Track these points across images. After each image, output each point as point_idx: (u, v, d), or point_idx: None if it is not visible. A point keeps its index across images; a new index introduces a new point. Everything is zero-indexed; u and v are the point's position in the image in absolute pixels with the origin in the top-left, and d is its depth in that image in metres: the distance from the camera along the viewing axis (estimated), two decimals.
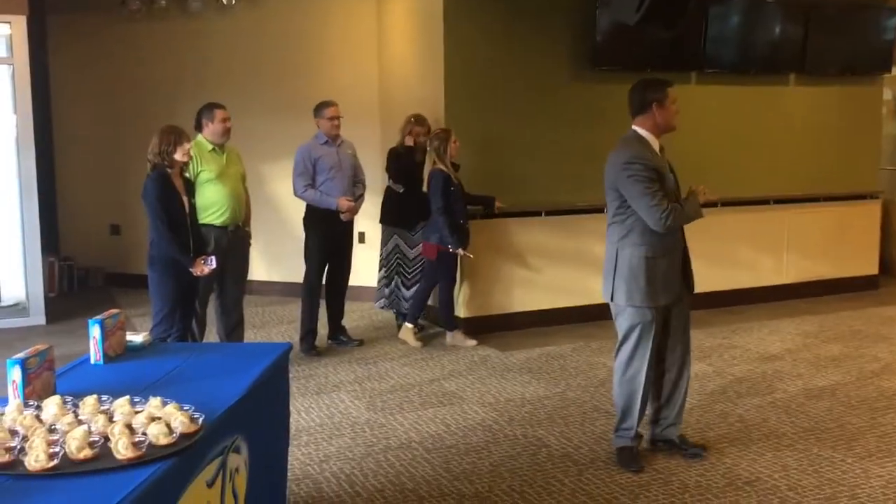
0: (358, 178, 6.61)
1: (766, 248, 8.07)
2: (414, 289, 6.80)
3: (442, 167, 6.37)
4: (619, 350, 4.29)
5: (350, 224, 6.58)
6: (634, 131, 4.16)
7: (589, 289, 7.27)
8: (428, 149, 6.53)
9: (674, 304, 4.22)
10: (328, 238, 6.44)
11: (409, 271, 6.87)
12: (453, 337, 6.66)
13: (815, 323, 7.33)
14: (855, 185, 8.57)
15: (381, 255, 7.00)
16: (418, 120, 6.79)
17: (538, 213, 7.15)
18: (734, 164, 8.00)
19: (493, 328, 6.95)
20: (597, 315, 7.17)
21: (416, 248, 6.81)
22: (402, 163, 6.72)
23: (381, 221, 6.98)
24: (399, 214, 6.85)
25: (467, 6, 6.97)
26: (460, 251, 6.43)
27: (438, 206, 6.34)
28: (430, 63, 7.16)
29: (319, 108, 6.46)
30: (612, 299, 4.24)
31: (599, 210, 7.20)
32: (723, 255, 7.77)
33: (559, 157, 7.36)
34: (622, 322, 4.23)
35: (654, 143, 4.13)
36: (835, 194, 8.39)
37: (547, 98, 7.31)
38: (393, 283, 6.93)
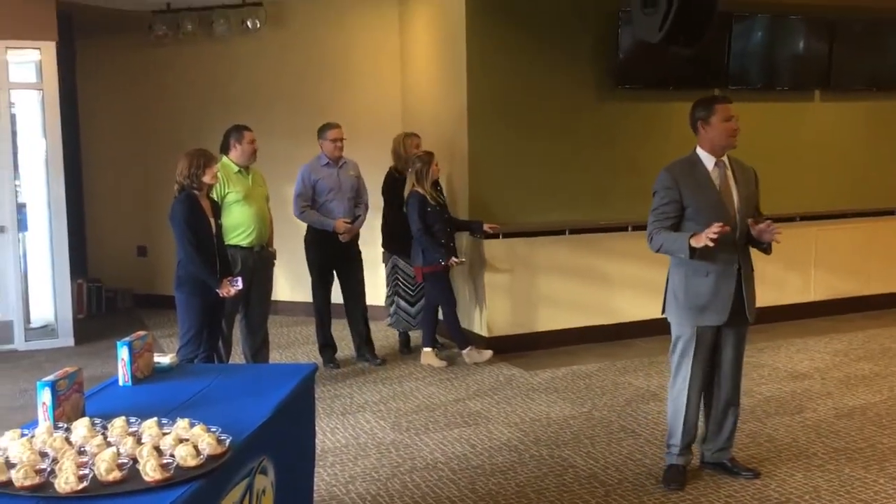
0: (361, 199, 6.67)
1: (793, 265, 7.99)
2: (417, 305, 6.84)
3: (419, 189, 6.42)
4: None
5: (353, 242, 6.64)
6: (694, 152, 4.17)
7: (614, 307, 7.25)
8: (409, 170, 6.58)
9: (725, 327, 4.14)
10: (327, 255, 6.55)
11: (411, 288, 6.88)
12: (469, 355, 6.65)
13: (844, 341, 7.24)
14: (882, 201, 8.47)
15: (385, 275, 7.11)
16: (409, 135, 6.91)
17: (562, 232, 7.13)
18: (760, 180, 7.93)
19: (517, 347, 6.92)
20: (622, 334, 7.18)
21: None
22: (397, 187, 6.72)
23: (382, 245, 7.05)
24: (391, 236, 6.90)
25: (490, 25, 7.01)
26: (454, 261, 6.49)
27: (417, 228, 6.42)
28: (453, 82, 7.20)
29: (322, 130, 6.57)
30: (662, 311, 4.29)
31: (623, 228, 7.25)
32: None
33: (582, 175, 7.36)
34: (672, 334, 4.27)
35: (709, 162, 4.09)
36: (862, 210, 8.30)
37: (570, 116, 7.32)
38: (394, 302, 6.95)
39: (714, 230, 3.78)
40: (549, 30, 7.18)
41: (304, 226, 6.62)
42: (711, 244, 3.81)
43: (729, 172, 4.13)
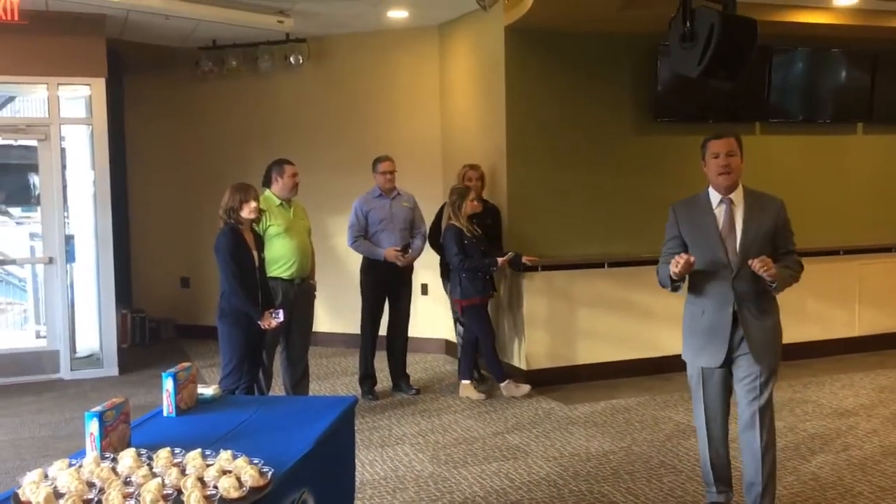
0: (417, 229, 6.75)
1: (837, 300, 7.87)
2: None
3: (455, 222, 6.47)
4: None
5: (407, 272, 6.70)
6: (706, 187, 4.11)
7: (653, 341, 7.20)
8: (446, 202, 6.66)
9: (735, 370, 3.96)
10: (382, 284, 6.65)
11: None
12: (506, 388, 6.64)
13: (891, 377, 7.10)
14: None
15: None
16: (470, 167, 6.99)
17: (601, 264, 7.12)
18: (801, 214, 7.76)
19: (556, 380, 6.90)
20: (662, 368, 7.11)
21: None
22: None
23: (442, 275, 7.12)
24: (444, 265, 6.98)
25: (528, 59, 7.08)
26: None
27: (457, 261, 6.47)
28: (493, 115, 7.26)
29: (374, 163, 6.74)
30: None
31: None
32: (791, 308, 7.47)
33: (621, 208, 7.35)
34: None
35: (715, 199, 4.00)
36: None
37: (608, 149, 7.34)
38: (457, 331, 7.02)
39: (677, 260, 3.77)
40: (588, 63, 7.23)
41: (347, 259, 6.73)
42: (677, 270, 3.76)
43: (738, 209, 3.94)
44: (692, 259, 3.79)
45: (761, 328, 3.92)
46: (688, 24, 4.64)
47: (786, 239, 3.99)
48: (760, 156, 7.78)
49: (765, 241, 3.89)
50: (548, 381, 6.86)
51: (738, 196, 3.98)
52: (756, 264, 3.72)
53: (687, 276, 3.95)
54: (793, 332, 7.51)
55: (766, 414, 3.94)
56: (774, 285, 3.82)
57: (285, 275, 5.83)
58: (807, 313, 7.77)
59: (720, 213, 3.97)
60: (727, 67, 4.78)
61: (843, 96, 8.01)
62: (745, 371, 3.93)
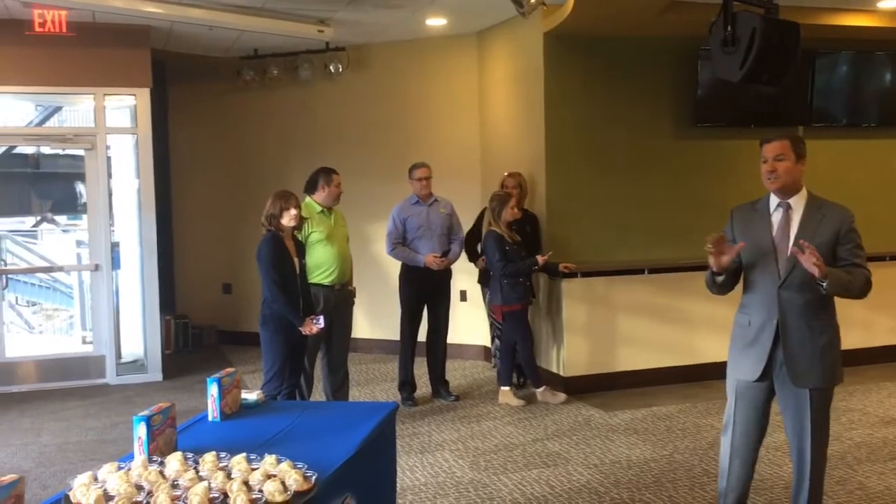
0: (455, 235, 6.77)
1: (882, 307, 7.72)
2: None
3: (496, 229, 6.47)
4: None
5: (445, 278, 6.73)
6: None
7: (694, 348, 7.14)
8: (486, 208, 6.69)
9: (779, 388, 3.75)
10: (420, 290, 6.69)
11: (500, 325, 6.95)
12: (542, 394, 6.63)
13: None
14: None
15: None
16: (510, 174, 7.01)
17: (641, 271, 7.08)
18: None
19: (595, 387, 6.87)
20: (703, 375, 7.05)
21: None
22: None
23: (479, 281, 7.13)
24: (483, 271, 7.01)
25: (567, 65, 7.07)
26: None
27: (496, 268, 6.46)
28: (531, 121, 7.26)
29: (410, 170, 6.78)
30: None
31: (703, 267, 7.11)
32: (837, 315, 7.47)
33: (661, 214, 7.30)
34: None
35: (773, 203, 3.83)
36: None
37: (647, 155, 7.29)
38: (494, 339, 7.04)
39: (709, 239, 3.64)
40: (627, 69, 7.20)
41: (386, 265, 6.77)
42: (711, 252, 3.64)
43: (794, 215, 3.73)
44: (720, 236, 3.68)
45: (807, 345, 3.66)
46: (729, 28, 4.60)
47: (849, 252, 3.67)
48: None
49: (822, 250, 3.54)
50: (586, 388, 6.83)
51: (798, 201, 3.75)
52: (805, 252, 3.44)
53: (741, 281, 3.83)
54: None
55: (818, 436, 3.76)
56: (824, 284, 3.49)
57: (326, 281, 5.88)
58: (853, 320, 7.60)
59: (776, 218, 3.78)
60: (770, 72, 4.73)
61: (889, 100, 7.87)
62: (786, 390, 3.73)
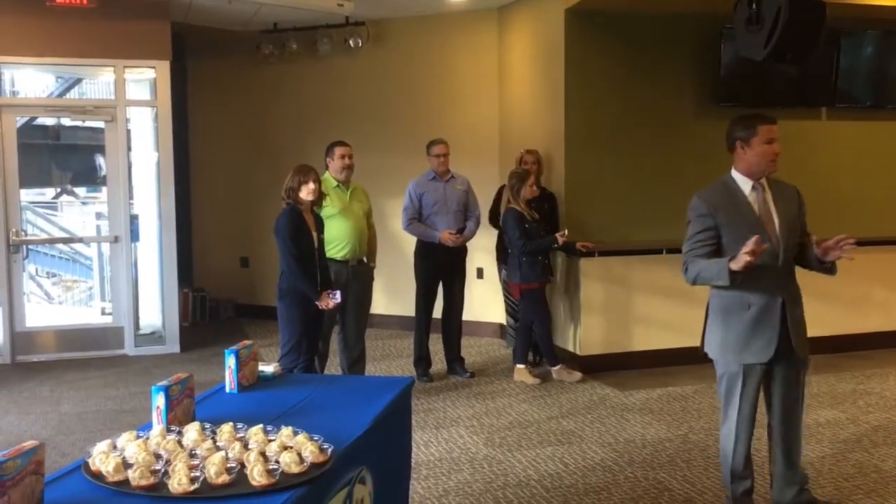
0: (471, 212, 6.75)
1: None
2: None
3: (515, 206, 6.45)
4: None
5: (460, 255, 6.72)
6: (730, 175, 3.89)
7: None
8: (505, 186, 6.66)
9: (775, 365, 3.82)
10: (436, 267, 6.70)
11: (514, 303, 6.95)
12: (558, 372, 6.64)
13: None
14: None
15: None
16: (527, 151, 6.99)
17: (659, 251, 7.04)
18: (868, 201, 7.70)
19: (611, 367, 6.86)
20: None
21: None
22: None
23: (498, 259, 7.12)
24: (501, 249, 7.01)
25: (588, 42, 7.00)
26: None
27: (515, 245, 6.45)
28: (551, 99, 7.21)
29: (428, 146, 6.75)
30: (701, 347, 3.96)
31: None
32: (854, 297, 7.43)
33: (680, 194, 7.15)
34: (717, 370, 3.93)
35: (746, 185, 3.79)
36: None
37: (668, 134, 7.24)
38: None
39: (749, 245, 3.41)
40: (649, 47, 7.13)
41: (403, 241, 6.78)
42: (751, 258, 3.42)
43: (768, 195, 3.78)
44: (765, 244, 3.53)
45: (801, 319, 3.86)
46: (754, 6, 4.55)
47: (805, 224, 3.92)
48: (827, 142, 7.62)
49: (793, 226, 3.79)
50: (602, 367, 6.83)
51: (764, 182, 3.81)
52: (834, 243, 3.59)
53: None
54: (856, 323, 7.49)
55: (802, 405, 3.94)
56: (828, 265, 3.74)
57: (339, 256, 5.89)
58: (871, 303, 7.60)
59: (754, 199, 3.77)
60: (795, 51, 4.69)
61: None
62: (790, 364, 3.81)
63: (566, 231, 6.62)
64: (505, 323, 7.73)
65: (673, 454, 5.01)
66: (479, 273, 8.04)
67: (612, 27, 7.03)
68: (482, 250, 7.51)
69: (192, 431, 2.64)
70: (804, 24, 4.59)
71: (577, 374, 6.63)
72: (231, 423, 2.72)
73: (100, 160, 8.47)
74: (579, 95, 7.01)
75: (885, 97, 7.76)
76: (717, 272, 3.63)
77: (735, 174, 3.86)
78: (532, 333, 6.68)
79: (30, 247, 8.14)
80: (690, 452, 5.04)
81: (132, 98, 7.89)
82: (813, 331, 7.53)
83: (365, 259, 6.14)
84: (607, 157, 7.10)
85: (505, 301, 7.39)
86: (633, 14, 6.99)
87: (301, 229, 5.12)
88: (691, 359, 7.00)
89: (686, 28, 7.14)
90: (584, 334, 6.91)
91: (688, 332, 7.06)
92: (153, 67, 7.69)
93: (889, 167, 7.81)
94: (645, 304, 7.02)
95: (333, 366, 6.39)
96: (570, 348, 7.03)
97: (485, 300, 8.05)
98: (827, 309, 7.11)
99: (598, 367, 6.82)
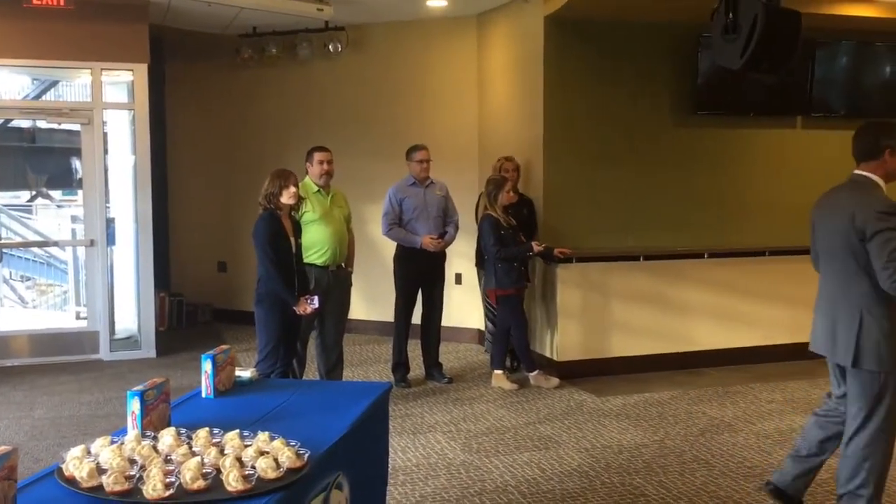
0: (450, 218, 6.77)
1: None
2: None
3: (492, 212, 6.47)
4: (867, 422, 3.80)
5: (440, 261, 6.73)
6: (868, 177, 3.87)
7: (687, 335, 7.16)
8: (482, 192, 6.69)
9: None
10: (416, 272, 6.69)
11: (493, 309, 6.97)
12: (535, 378, 6.66)
13: None
14: None
15: None
16: (506, 159, 7.00)
17: (637, 258, 7.09)
18: None
19: (588, 372, 6.88)
20: (696, 363, 7.10)
21: None
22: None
23: (477, 265, 7.14)
24: (480, 255, 7.02)
25: (567, 49, 7.04)
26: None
27: (491, 251, 6.47)
28: (530, 106, 7.24)
29: (410, 152, 6.74)
30: (856, 363, 3.75)
31: (699, 255, 7.17)
32: None
33: (658, 201, 7.30)
34: (871, 389, 3.76)
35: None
36: None
37: (647, 142, 7.29)
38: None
39: None
40: (627, 55, 7.18)
41: (382, 246, 6.77)
42: None
43: None
44: None
45: None
46: (731, 15, 4.59)
47: None
48: (802, 151, 7.70)
49: None
50: (579, 373, 6.85)
51: None
52: None
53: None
54: None
55: None
56: None
57: (319, 261, 5.88)
58: None
59: None
60: (770, 60, 4.72)
61: (888, 91, 7.86)
62: None
63: (545, 245, 6.65)
64: (484, 328, 7.74)
65: (649, 460, 5.04)
66: (458, 279, 8.05)
67: (591, 35, 7.07)
68: (461, 256, 7.52)
69: (167, 437, 2.63)
70: (780, 34, 4.62)
71: (555, 380, 6.65)
72: (207, 429, 2.70)
73: (76, 163, 8.40)
74: (558, 102, 7.04)
75: (858, 107, 7.84)
76: None
77: (874, 177, 3.87)
78: (509, 339, 6.70)
79: (4, 250, 8.06)
80: (667, 458, 5.07)
81: (109, 101, 7.84)
82: (788, 337, 7.64)
83: (343, 264, 6.13)
84: (586, 164, 7.13)
85: (484, 307, 7.40)
86: (612, 22, 7.04)
87: (280, 234, 5.10)
88: (668, 365, 7.10)
89: (664, 36, 7.20)
90: (562, 340, 6.93)
91: (665, 339, 7.18)
92: (131, 70, 7.63)
93: None
94: (622, 310, 7.05)
95: (311, 371, 6.37)
96: (548, 354, 7.05)
97: (463, 306, 8.06)
98: (801, 316, 7.18)
99: (576, 372, 6.84)
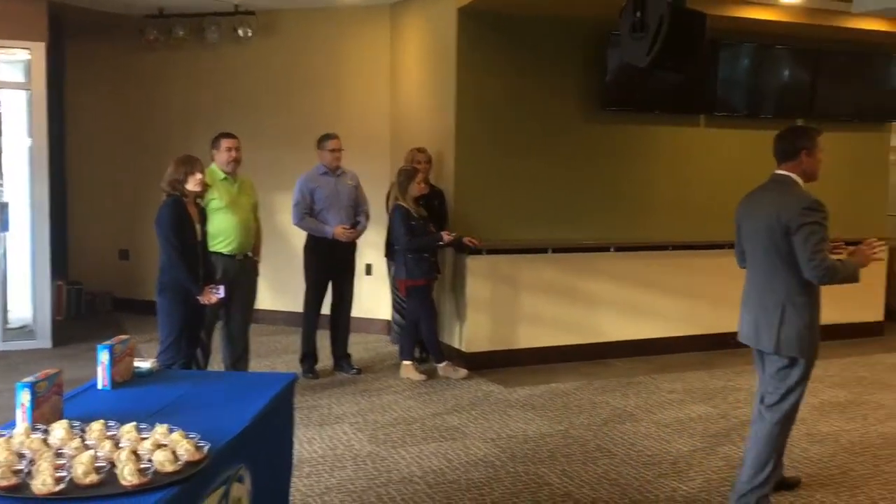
0: (360, 208, 6.73)
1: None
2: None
3: (403, 203, 6.48)
4: (779, 403, 4.08)
5: (350, 251, 6.69)
6: (787, 176, 4.15)
7: (594, 327, 7.30)
8: (393, 182, 6.69)
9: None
10: (326, 263, 6.63)
11: (401, 299, 6.96)
12: (443, 369, 6.69)
13: (820, 368, 7.16)
14: (862, 231, 8.50)
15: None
16: (418, 150, 6.97)
17: (545, 250, 7.18)
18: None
19: (496, 363, 6.95)
20: (602, 353, 7.23)
21: None
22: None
23: (386, 255, 7.10)
24: (390, 245, 6.98)
25: (480, 42, 7.06)
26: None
27: (401, 242, 6.48)
28: (442, 98, 7.25)
29: (321, 140, 6.66)
30: (778, 350, 4.00)
31: (606, 248, 7.32)
32: (727, 297, 7.75)
33: (566, 195, 7.41)
34: (792, 374, 4.03)
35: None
36: (842, 240, 8.36)
37: (556, 136, 7.38)
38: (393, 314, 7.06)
39: (875, 245, 4.02)
40: (539, 49, 7.25)
41: (291, 236, 6.68)
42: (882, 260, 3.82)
43: None
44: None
45: None
46: (638, 13, 4.67)
47: None
48: (705, 149, 7.93)
49: None
50: (487, 364, 6.91)
51: None
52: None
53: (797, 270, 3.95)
54: (727, 321, 7.75)
55: None
56: None
57: (226, 250, 5.75)
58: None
59: None
60: (676, 59, 4.82)
61: (785, 93, 8.16)
62: None
63: (455, 235, 6.67)
64: (391, 319, 7.72)
65: (553, 449, 5.12)
66: (368, 269, 8.01)
67: (504, 28, 7.11)
68: (371, 246, 7.48)
69: (59, 430, 2.53)
70: (685, 34, 4.72)
71: (463, 371, 6.69)
72: (102, 421, 2.62)
73: None
74: (470, 94, 7.06)
75: (759, 107, 8.13)
76: (852, 272, 3.99)
77: (794, 177, 4.18)
78: (418, 330, 6.70)
79: None
80: (570, 447, 5.16)
81: (4, 80, 7.49)
82: (688, 329, 7.88)
83: (250, 253, 6.01)
84: (497, 157, 7.18)
85: (392, 297, 7.39)
86: (525, 16, 7.10)
87: (185, 222, 4.96)
88: (575, 356, 7.22)
89: (575, 32, 7.29)
90: (470, 331, 6.97)
91: (572, 330, 7.30)
92: (28, 49, 7.31)
93: (762, 175, 8.15)
94: (530, 302, 7.14)
95: (216, 362, 6.24)
96: (456, 345, 7.08)
97: (373, 296, 8.02)
98: (701, 307, 7.42)
99: (484, 363, 6.90)
